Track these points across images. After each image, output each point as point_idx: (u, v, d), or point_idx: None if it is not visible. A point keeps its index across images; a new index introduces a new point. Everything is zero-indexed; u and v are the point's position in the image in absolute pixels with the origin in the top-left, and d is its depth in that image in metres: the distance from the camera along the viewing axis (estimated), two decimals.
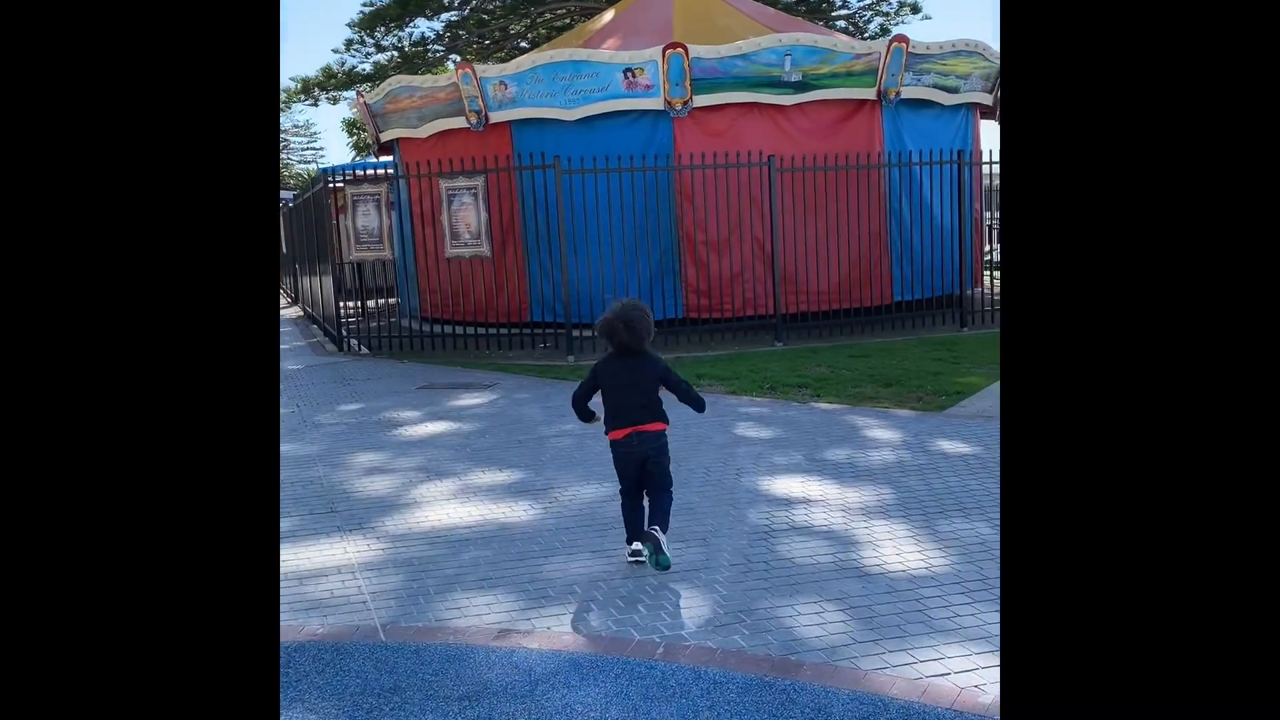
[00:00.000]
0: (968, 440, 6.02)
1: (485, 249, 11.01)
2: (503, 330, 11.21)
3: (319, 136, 70.19)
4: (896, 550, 4.17)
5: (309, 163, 63.52)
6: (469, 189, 10.96)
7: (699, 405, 4.33)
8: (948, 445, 5.91)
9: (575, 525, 4.62)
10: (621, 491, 4.23)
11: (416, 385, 9.06)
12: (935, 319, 11.61)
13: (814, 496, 4.98)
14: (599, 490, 5.20)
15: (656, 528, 4.06)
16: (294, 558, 4.33)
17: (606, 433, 4.22)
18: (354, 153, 32.48)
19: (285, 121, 69.27)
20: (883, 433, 6.34)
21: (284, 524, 4.78)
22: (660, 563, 3.98)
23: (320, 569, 4.19)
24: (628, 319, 4.05)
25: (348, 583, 4.01)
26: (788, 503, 4.88)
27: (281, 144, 69.34)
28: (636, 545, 4.09)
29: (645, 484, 4.19)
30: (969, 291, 12.02)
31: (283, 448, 6.57)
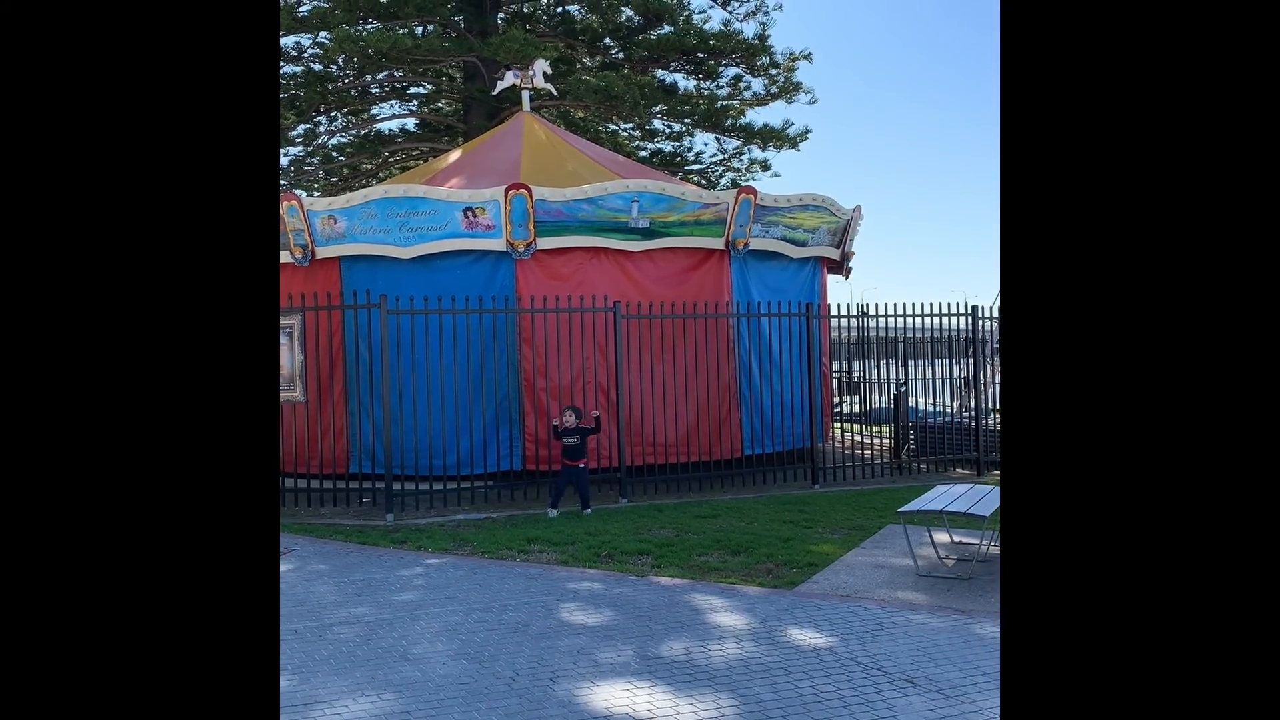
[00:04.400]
0: (821, 628, 5.27)
1: (299, 393, 9.92)
2: (318, 483, 10.03)
3: None
4: None
5: None
6: (284, 328, 9.94)
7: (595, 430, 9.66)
8: (799, 635, 5.15)
9: None
10: (556, 490, 9.37)
11: None
12: (786, 475, 11.10)
13: (640, 712, 4.08)
14: (373, 706, 4.15)
15: (589, 510, 9.27)
16: None
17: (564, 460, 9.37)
18: None
19: None
20: (728, 617, 5.54)
21: None
22: (585, 516, 9.06)
23: None
24: (575, 409, 9.57)
25: None
26: None
27: None
28: (554, 513, 9.11)
29: (575, 486, 9.36)
30: (820, 446, 11.62)
31: None
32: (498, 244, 10.86)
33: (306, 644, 5.12)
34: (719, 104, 21.38)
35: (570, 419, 9.35)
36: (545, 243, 10.91)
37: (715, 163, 24.36)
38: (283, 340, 9.93)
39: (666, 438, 10.80)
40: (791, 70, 21.87)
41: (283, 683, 4.50)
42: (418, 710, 4.10)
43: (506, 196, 10.70)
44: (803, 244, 12.50)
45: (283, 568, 7.09)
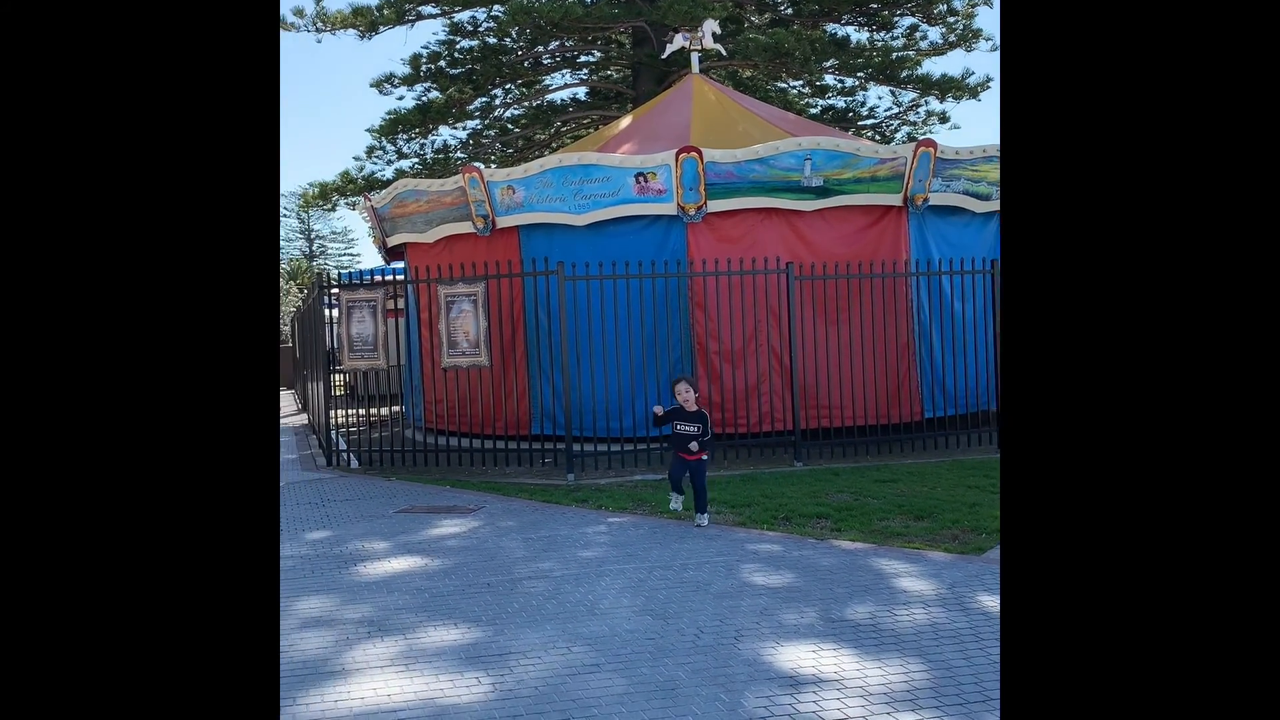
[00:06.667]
0: None
1: (484, 358, 10.33)
2: (503, 443, 10.45)
3: (356, 242, 71.17)
4: None
5: (345, 268, 64.25)
6: (468, 295, 10.35)
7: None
8: (990, 602, 4.97)
9: (526, 712, 3.72)
10: (673, 477, 7.31)
11: (396, 508, 8.25)
12: (969, 439, 10.70)
13: (827, 673, 4.06)
14: (565, 658, 4.31)
15: (705, 516, 7.07)
16: None
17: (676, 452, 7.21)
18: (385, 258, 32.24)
19: (324, 228, 70.71)
20: (914, 583, 5.41)
21: None
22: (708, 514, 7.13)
23: None
24: (689, 379, 7.34)
25: None
26: (794, 682, 3.96)
27: (319, 249, 70.54)
28: (678, 501, 7.35)
29: (691, 481, 7.10)
30: None
31: None
32: (669, 208, 10.90)
33: (499, 597, 5.36)
34: (894, 55, 20.59)
35: (688, 394, 7.10)
36: (716, 205, 10.87)
37: (890, 117, 23.54)
38: (467, 307, 10.34)
39: (841, 400, 10.61)
40: (970, 16, 20.81)
41: (477, 633, 4.74)
42: (607, 664, 4.22)
43: (677, 160, 10.70)
44: (987, 197, 11.92)
45: (474, 524, 7.44)
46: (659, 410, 7.20)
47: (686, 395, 7.09)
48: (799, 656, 4.25)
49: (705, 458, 7.08)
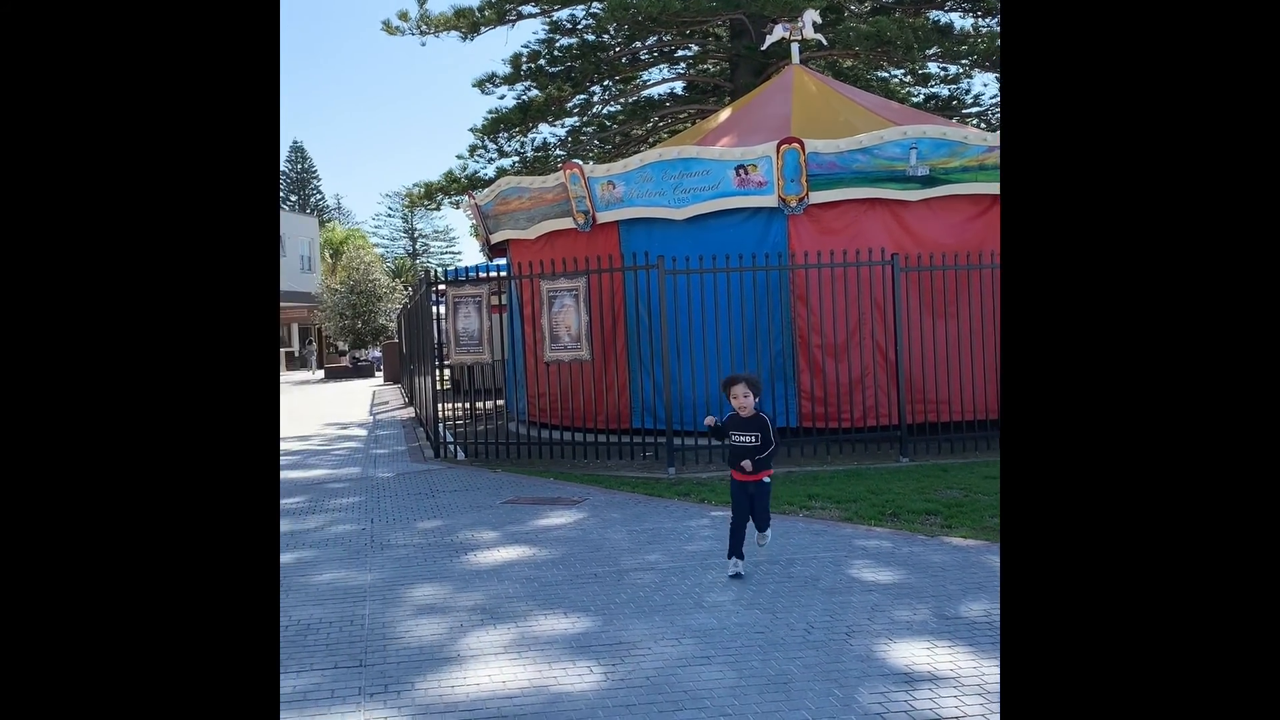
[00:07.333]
0: None
1: (585, 352, 10.42)
2: (604, 437, 10.54)
3: (456, 240, 72.96)
4: None
5: (447, 265, 65.76)
6: (570, 290, 10.46)
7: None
8: None
9: (639, 702, 3.74)
10: (733, 529, 5.61)
11: (502, 499, 8.40)
12: None
13: (943, 670, 3.97)
14: (675, 650, 4.31)
15: (767, 533, 5.82)
16: None
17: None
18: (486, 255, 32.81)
19: (426, 227, 72.60)
20: None
21: (298, 682, 4.08)
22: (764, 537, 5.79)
23: None
24: (749, 379, 5.69)
25: None
26: (909, 679, 3.88)
27: (422, 247, 72.42)
28: (738, 566, 5.55)
29: (751, 506, 5.64)
30: None
31: (339, 574, 5.95)
32: (769, 200, 10.81)
33: (606, 588, 5.40)
34: (999, 41, 19.97)
35: (746, 398, 5.54)
36: (817, 196, 10.73)
37: (996, 104, 22.84)
38: (569, 302, 10.46)
39: (949, 395, 10.36)
40: None
41: (587, 623, 4.78)
42: (718, 656, 4.22)
43: (778, 151, 10.60)
44: None
45: (579, 516, 7.52)
46: (711, 421, 5.73)
47: (745, 399, 5.54)
48: (913, 653, 4.17)
49: (767, 479, 5.60)
